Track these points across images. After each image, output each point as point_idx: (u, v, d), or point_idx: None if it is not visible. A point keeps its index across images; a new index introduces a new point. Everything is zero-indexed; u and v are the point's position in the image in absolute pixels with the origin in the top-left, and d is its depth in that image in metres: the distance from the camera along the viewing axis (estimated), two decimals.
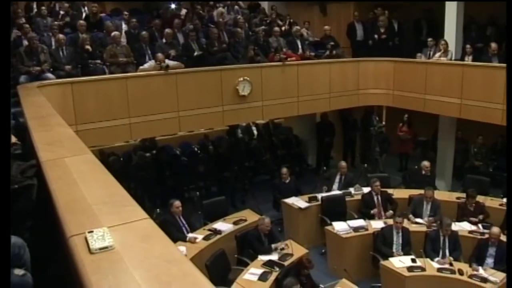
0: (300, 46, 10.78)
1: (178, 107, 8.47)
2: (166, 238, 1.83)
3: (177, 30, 9.96)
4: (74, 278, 1.65)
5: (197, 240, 7.43)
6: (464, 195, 8.84)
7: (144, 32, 9.37)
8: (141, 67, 8.53)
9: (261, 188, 11.15)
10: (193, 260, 6.86)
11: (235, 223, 8.16)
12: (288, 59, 9.95)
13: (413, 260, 7.05)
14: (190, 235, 7.52)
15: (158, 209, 9.24)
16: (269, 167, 11.87)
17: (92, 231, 1.81)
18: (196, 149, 12.72)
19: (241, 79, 9.06)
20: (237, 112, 9.12)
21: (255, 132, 13.37)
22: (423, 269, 6.87)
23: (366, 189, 9.39)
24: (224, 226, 8.02)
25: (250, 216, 8.40)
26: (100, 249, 1.71)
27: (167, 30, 9.46)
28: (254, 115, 9.63)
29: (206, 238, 7.57)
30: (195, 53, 9.48)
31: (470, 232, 7.98)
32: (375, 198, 8.73)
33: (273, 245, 7.19)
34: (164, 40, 9.46)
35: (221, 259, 7.02)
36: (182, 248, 7.04)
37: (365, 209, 8.71)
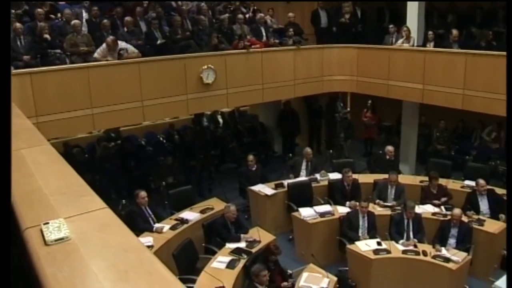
0: (264, 34, 10.75)
1: (142, 96, 8.35)
2: (125, 227, 1.79)
3: (139, 18, 9.77)
4: (30, 272, 1.61)
5: (164, 230, 7.37)
6: (427, 178, 9.04)
7: (105, 21, 9.14)
8: (94, 54, 8.32)
9: (228, 176, 11.13)
10: (160, 250, 6.84)
11: (202, 211, 8.13)
12: (252, 46, 9.91)
13: (379, 243, 7.19)
14: (156, 225, 7.46)
15: (124, 200, 9.12)
16: (235, 155, 11.86)
17: (47, 223, 1.76)
18: (161, 138, 12.63)
19: (205, 67, 8.98)
20: (201, 100, 9.04)
21: (221, 120, 13.34)
22: (388, 252, 7.02)
23: (332, 175, 9.51)
24: (191, 215, 7.98)
25: (217, 205, 8.37)
26: (56, 240, 1.67)
27: (127, 18, 9.29)
28: (219, 103, 9.58)
29: (173, 228, 7.52)
30: (158, 42, 9.34)
31: (433, 214, 8.18)
32: (347, 188, 8.83)
33: (241, 236, 7.18)
34: (125, 29, 9.29)
35: (188, 249, 6.99)
36: (149, 239, 6.98)
37: (339, 199, 8.75)
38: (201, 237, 7.57)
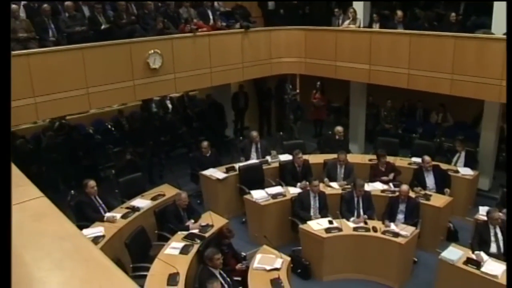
0: (211, 17, 10.60)
1: (87, 83, 8.10)
2: (61, 215, 1.74)
3: (82, 3, 9.45)
4: None
5: (115, 219, 7.25)
6: (375, 156, 9.25)
7: (45, 5, 8.76)
8: None
9: (179, 162, 11.05)
10: (112, 239, 6.74)
11: (153, 198, 8.05)
12: (199, 30, 9.78)
13: (330, 222, 7.32)
14: (107, 214, 7.33)
15: (72, 191, 8.92)
16: (185, 140, 11.75)
17: None
18: (109, 126, 12.37)
19: (152, 51, 8.80)
20: (149, 85, 8.87)
21: (170, 105, 13.17)
22: (340, 230, 7.16)
23: (282, 157, 9.58)
24: (142, 202, 7.88)
25: (168, 191, 8.30)
26: None
27: (68, 3, 8.92)
28: (167, 88, 9.42)
29: (124, 216, 7.41)
30: (102, 27, 9.06)
31: (382, 191, 8.39)
32: (298, 169, 8.89)
33: (190, 226, 7.14)
34: (67, 14, 8.97)
35: (141, 236, 6.92)
36: (100, 228, 6.87)
37: (289, 181, 8.81)
38: (153, 224, 7.50)
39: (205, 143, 9.56)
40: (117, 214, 7.41)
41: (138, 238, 6.80)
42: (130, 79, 8.59)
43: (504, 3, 8.32)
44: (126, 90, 8.59)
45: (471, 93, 8.76)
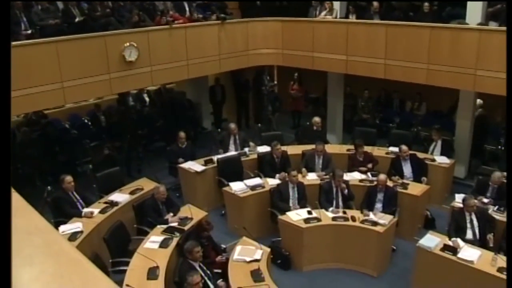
0: (187, 9, 10.51)
1: (62, 77, 7.95)
2: (32, 210, 1.70)
3: None
4: None
5: (94, 214, 7.18)
6: (353, 147, 9.31)
7: None
8: None
9: (157, 155, 10.97)
10: (90, 235, 6.70)
11: (131, 192, 7.99)
12: (176, 22, 9.69)
13: (309, 212, 7.36)
14: (85, 210, 7.25)
15: (49, 187, 8.81)
16: (163, 133, 11.66)
17: None
18: (86, 120, 12.22)
19: (127, 44, 8.69)
20: (125, 79, 8.76)
21: (147, 98, 13.06)
22: (319, 220, 7.21)
23: (261, 148, 9.58)
24: (120, 197, 7.82)
25: (146, 185, 8.25)
26: None
27: None
28: (143, 81, 9.32)
29: (102, 211, 7.34)
30: (76, 19, 8.92)
31: (361, 180, 8.46)
32: (277, 161, 8.90)
33: (169, 219, 7.10)
34: (39, 7, 8.80)
35: (119, 231, 6.86)
36: (78, 224, 6.81)
37: (268, 172, 8.81)
38: (132, 219, 7.45)
39: (182, 134, 9.51)
40: (95, 209, 7.35)
41: (116, 233, 6.74)
42: (106, 73, 8.47)
43: None
44: (102, 83, 8.47)
45: (446, 83, 8.86)
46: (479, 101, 10.58)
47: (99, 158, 9.45)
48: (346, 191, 7.74)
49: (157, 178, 9.09)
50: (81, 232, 6.63)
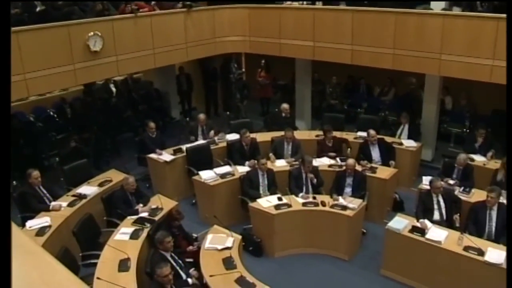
0: None
1: (24, 69, 7.72)
2: None
3: None
4: None
5: (62, 208, 7.07)
6: (322, 132, 9.36)
7: None
8: None
9: (126, 146, 10.84)
10: (59, 229, 6.61)
11: (100, 185, 7.89)
12: (140, 10, 9.52)
13: (279, 199, 7.40)
14: (53, 203, 7.14)
15: (14, 182, 8.62)
16: (131, 124, 11.52)
17: None
18: (51, 113, 11.96)
19: (91, 34, 8.50)
20: (90, 69, 8.58)
21: (114, 89, 12.86)
22: (289, 206, 7.25)
23: (229, 136, 9.57)
24: (88, 189, 7.70)
25: (115, 176, 8.15)
26: None
27: None
28: (109, 71, 9.14)
29: (70, 204, 7.24)
30: (38, 9, 8.69)
31: (330, 166, 8.53)
32: (246, 148, 8.90)
33: (139, 210, 7.05)
34: None
35: (89, 224, 6.77)
36: (46, 219, 6.70)
37: (238, 159, 8.80)
38: (101, 211, 7.36)
39: (151, 124, 9.41)
40: (63, 202, 7.23)
41: (86, 226, 6.66)
42: (70, 63, 8.27)
43: None
44: (66, 74, 8.28)
45: (412, 67, 8.97)
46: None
47: (66, 151, 9.26)
48: (314, 180, 7.78)
49: (126, 169, 8.99)
50: (49, 226, 6.53)
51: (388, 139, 9.40)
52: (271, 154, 8.75)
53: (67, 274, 1.39)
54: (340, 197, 7.44)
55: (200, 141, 9.44)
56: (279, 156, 8.81)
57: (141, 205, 7.14)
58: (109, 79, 12.49)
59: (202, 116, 9.86)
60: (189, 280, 5.79)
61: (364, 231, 7.85)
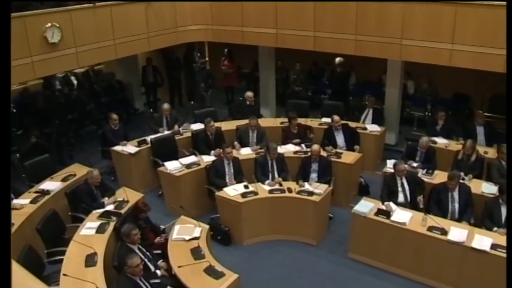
0: None
1: None
2: None
3: None
4: None
5: (24, 205, 6.92)
6: (287, 119, 9.39)
7: None
8: None
9: (89, 139, 10.65)
10: (22, 227, 6.50)
11: (63, 180, 7.74)
12: (99, 0, 9.31)
13: (246, 187, 7.42)
14: (14, 201, 6.97)
15: None
16: (94, 117, 11.31)
17: None
18: (11, 108, 11.62)
19: (49, 25, 8.26)
20: (49, 61, 8.34)
21: (75, 81, 12.59)
22: (256, 193, 7.28)
23: (194, 126, 9.51)
24: (52, 185, 7.56)
25: (79, 170, 7.99)
26: None
27: None
28: (69, 63, 8.90)
29: (33, 201, 7.09)
30: None
31: (295, 152, 8.57)
32: (211, 137, 8.86)
33: (105, 202, 6.96)
34: None
35: (53, 220, 6.64)
36: None
37: (203, 149, 8.74)
38: (65, 206, 7.23)
39: (114, 115, 9.26)
40: (25, 199, 7.08)
41: (50, 222, 6.53)
42: (27, 56, 8.03)
43: None
44: (24, 67, 8.03)
45: (374, 53, 9.05)
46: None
47: (27, 146, 9.03)
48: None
49: (90, 163, 8.85)
50: (12, 224, 6.36)
51: (352, 124, 9.51)
52: (236, 143, 8.74)
53: None
54: (306, 183, 7.50)
55: (165, 132, 9.34)
56: (244, 144, 8.80)
57: (106, 198, 7.04)
58: (69, 72, 12.20)
59: (166, 106, 9.76)
60: (158, 272, 5.75)
61: (331, 215, 7.94)
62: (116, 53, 9.53)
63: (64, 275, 5.25)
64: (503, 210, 6.48)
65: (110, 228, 6.39)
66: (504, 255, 5.73)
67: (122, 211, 6.79)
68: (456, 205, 6.85)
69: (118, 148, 8.80)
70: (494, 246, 5.87)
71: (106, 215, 6.65)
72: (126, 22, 9.56)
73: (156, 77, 12.63)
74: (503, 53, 7.44)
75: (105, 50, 9.25)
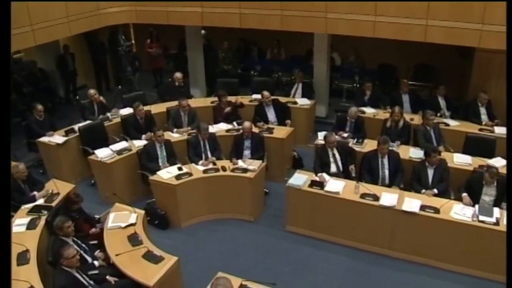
0: None
1: None
2: None
3: None
4: None
5: None
6: (217, 98, 9.35)
7: None
8: None
9: (13, 132, 10.12)
10: None
11: None
12: None
13: (180, 169, 7.37)
14: None
15: None
16: (17, 108, 10.80)
17: None
18: None
19: None
20: None
21: None
22: (190, 175, 7.26)
23: (123, 111, 9.31)
24: None
25: None
26: None
27: None
28: None
29: None
30: None
31: (227, 131, 8.58)
32: (141, 121, 8.70)
33: (36, 195, 6.72)
34: None
35: None
36: None
37: (134, 134, 8.60)
38: None
39: (39, 106, 8.85)
40: None
41: None
42: None
43: None
44: None
45: (300, 27, 9.12)
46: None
47: None
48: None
49: (16, 157, 8.47)
50: None
51: (283, 99, 9.60)
52: (172, 127, 8.64)
53: None
54: (239, 161, 7.54)
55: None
56: (178, 126, 8.70)
57: (35, 192, 6.79)
58: None
59: (92, 91, 9.39)
60: (96, 263, 5.62)
61: (267, 191, 8.05)
62: (35, 40, 9.04)
63: None
64: (430, 173, 6.80)
65: (42, 222, 6.17)
66: (433, 215, 6.07)
67: (53, 204, 6.56)
68: (386, 171, 7.10)
69: (44, 139, 8.45)
70: (422, 207, 6.19)
71: (36, 209, 6.42)
72: (43, 6, 9.05)
73: (74, 65, 12.21)
74: (422, 23, 7.82)
75: (22, 37, 8.74)
